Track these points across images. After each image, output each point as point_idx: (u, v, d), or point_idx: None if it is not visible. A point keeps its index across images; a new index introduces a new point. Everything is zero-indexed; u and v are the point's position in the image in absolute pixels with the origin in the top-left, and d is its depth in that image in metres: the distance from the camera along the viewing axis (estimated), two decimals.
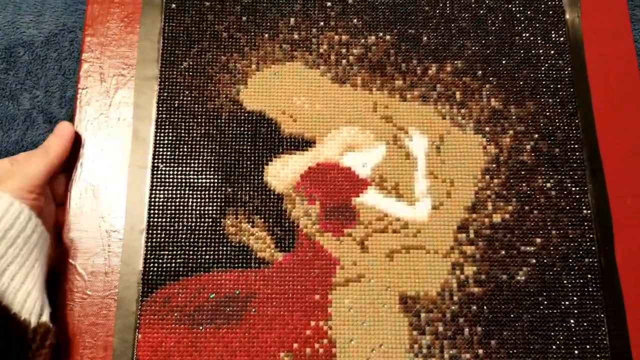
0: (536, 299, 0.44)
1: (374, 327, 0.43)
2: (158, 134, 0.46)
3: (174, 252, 0.44)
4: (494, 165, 0.47)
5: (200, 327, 0.42)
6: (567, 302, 0.44)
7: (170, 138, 0.46)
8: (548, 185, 0.47)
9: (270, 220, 0.45)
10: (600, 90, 0.49)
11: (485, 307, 0.44)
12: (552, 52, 0.50)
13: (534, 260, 0.45)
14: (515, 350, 0.43)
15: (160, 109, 0.47)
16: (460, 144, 0.47)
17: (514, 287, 0.44)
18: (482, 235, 0.45)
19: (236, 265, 0.44)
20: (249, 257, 0.44)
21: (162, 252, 0.43)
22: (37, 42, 0.46)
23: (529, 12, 0.51)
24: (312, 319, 0.43)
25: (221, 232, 0.44)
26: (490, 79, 0.49)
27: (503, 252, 0.45)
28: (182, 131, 0.46)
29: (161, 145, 0.46)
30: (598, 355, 0.43)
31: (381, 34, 0.50)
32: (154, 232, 0.44)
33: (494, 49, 0.50)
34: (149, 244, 0.44)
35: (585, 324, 0.43)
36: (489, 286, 0.44)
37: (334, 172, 0.46)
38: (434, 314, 0.43)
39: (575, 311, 0.44)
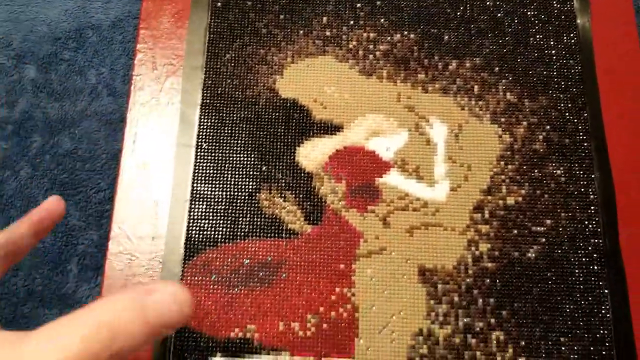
0: (545, 275, 0.47)
1: (394, 295, 0.46)
2: (202, 117, 0.51)
3: (214, 222, 0.48)
4: (508, 153, 0.51)
5: (236, 289, 0.46)
6: (573, 278, 0.47)
7: (213, 121, 0.51)
8: (558, 172, 0.50)
9: (301, 195, 0.49)
10: (607, 87, 0.53)
11: (497, 281, 0.47)
12: (563, 52, 0.54)
13: (544, 240, 0.48)
14: (524, 321, 0.46)
15: (205, 95, 0.52)
16: (477, 132, 0.51)
17: (525, 264, 0.47)
18: (496, 216, 0.49)
19: (269, 234, 0.48)
20: (280, 228, 0.48)
21: (203, 221, 0.48)
22: (104, 25, 0.52)
23: (542, 16, 0.55)
24: (337, 285, 0.47)
25: (256, 205, 0.49)
26: (506, 74, 0.53)
27: (515, 231, 0.48)
28: (224, 115, 0.51)
29: (205, 127, 0.51)
30: (601, 327, 0.46)
31: (406, 32, 0.55)
32: (197, 203, 0.49)
33: (510, 48, 0.54)
34: (192, 213, 0.48)
35: (590, 298, 0.47)
36: (501, 262, 0.48)
37: (359, 155, 0.50)
38: (450, 285, 0.47)
39: (581, 287, 0.47)
